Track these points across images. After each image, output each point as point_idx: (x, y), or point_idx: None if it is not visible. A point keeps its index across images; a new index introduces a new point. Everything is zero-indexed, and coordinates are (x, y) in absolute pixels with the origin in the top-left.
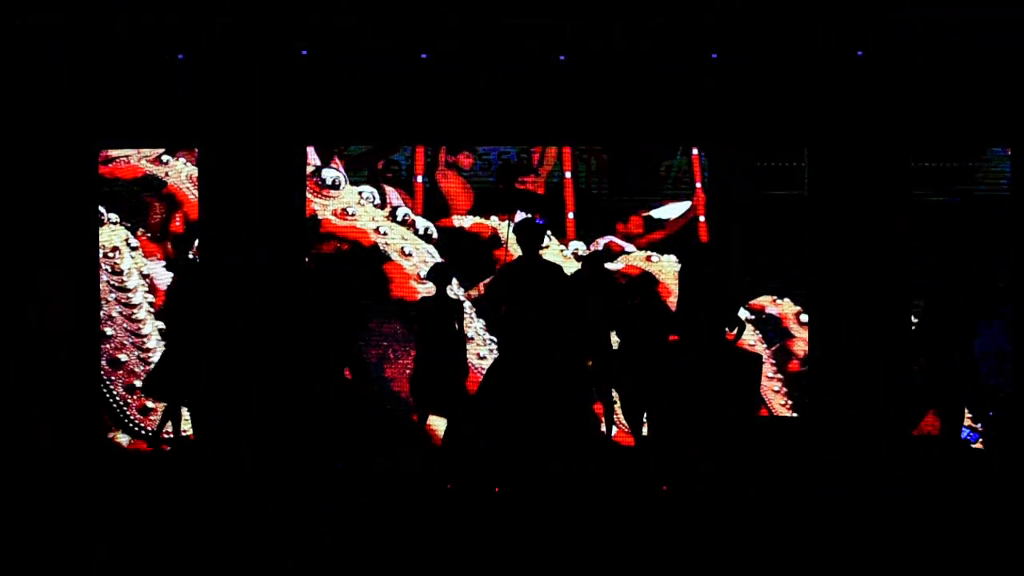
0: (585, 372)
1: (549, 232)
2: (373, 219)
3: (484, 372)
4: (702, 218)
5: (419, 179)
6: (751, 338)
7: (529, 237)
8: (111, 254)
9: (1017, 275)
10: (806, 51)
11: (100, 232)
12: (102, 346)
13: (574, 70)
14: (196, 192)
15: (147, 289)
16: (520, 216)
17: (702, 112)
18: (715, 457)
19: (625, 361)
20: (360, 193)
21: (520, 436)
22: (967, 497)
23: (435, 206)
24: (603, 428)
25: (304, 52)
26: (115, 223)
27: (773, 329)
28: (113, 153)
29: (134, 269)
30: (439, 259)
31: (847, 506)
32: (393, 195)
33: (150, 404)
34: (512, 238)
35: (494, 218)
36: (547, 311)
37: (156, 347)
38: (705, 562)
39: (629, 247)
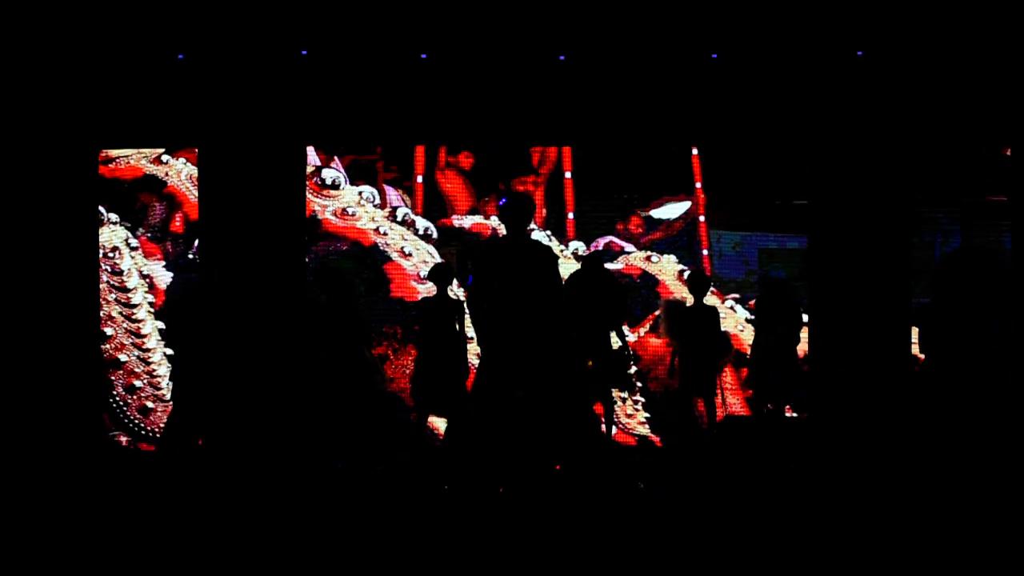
0: (585, 372)
1: (549, 232)
2: (373, 219)
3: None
4: (702, 218)
5: (419, 179)
6: (752, 338)
7: (517, 214)
8: (111, 254)
9: (1017, 275)
10: (806, 51)
11: (100, 232)
12: (102, 346)
13: (574, 70)
14: (196, 192)
15: (147, 289)
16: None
17: (702, 112)
18: None
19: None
20: (360, 193)
21: (516, 434)
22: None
23: (435, 206)
24: (603, 428)
25: (304, 52)
26: (115, 223)
27: None
28: (113, 153)
29: (134, 269)
30: (439, 259)
31: (845, 503)
32: (393, 195)
33: (150, 404)
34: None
35: (494, 218)
36: (534, 293)
37: (156, 347)
38: (704, 562)
39: (629, 247)
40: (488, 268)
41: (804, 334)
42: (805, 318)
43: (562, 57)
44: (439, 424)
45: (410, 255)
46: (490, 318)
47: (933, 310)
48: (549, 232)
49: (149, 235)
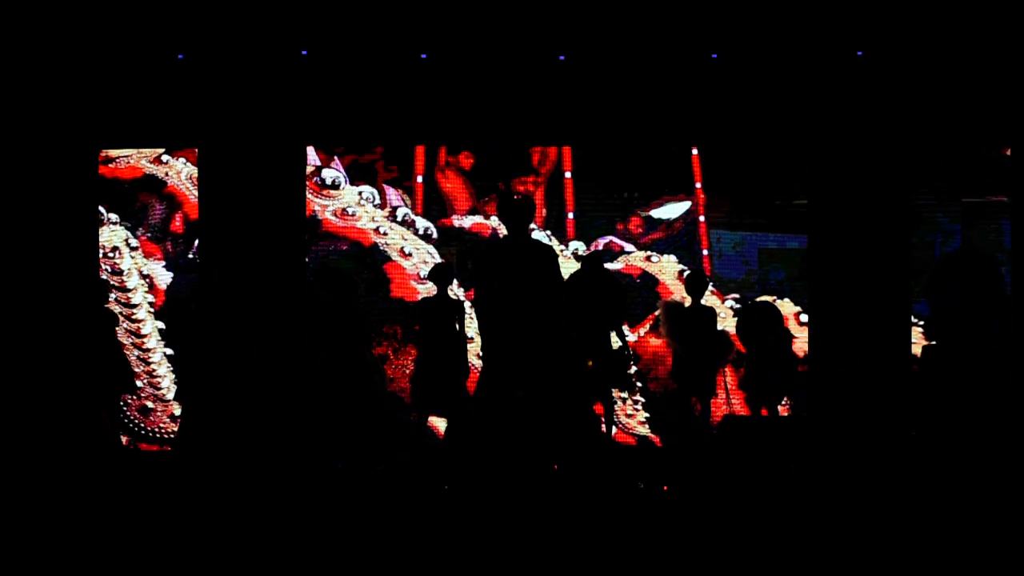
0: (585, 372)
1: (549, 232)
2: (373, 219)
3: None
4: (702, 218)
5: (419, 179)
6: None
7: (518, 214)
8: (111, 254)
9: (1017, 275)
10: (806, 51)
11: (100, 232)
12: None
13: (574, 70)
14: (196, 192)
15: (147, 289)
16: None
17: (702, 112)
18: None
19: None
20: (360, 193)
21: (518, 434)
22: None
23: (435, 206)
24: (603, 428)
25: (304, 52)
26: (115, 223)
27: None
28: (113, 153)
29: (134, 269)
30: (439, 259)
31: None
32: (393, 195)
33: (150, 404)
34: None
35: (494, 218)
36: (537, 292)
37: (156, 347)
38: (705, 562)
39: (629, 247)
40: (489, 269)
41: (801, 333)
42: (804, 317)
43: (562, 57)
44: (439, 424)
45: (410, 255)
46: (493, 318)
47: (932, 311)
48: (549, 232)
49: (149, 235)
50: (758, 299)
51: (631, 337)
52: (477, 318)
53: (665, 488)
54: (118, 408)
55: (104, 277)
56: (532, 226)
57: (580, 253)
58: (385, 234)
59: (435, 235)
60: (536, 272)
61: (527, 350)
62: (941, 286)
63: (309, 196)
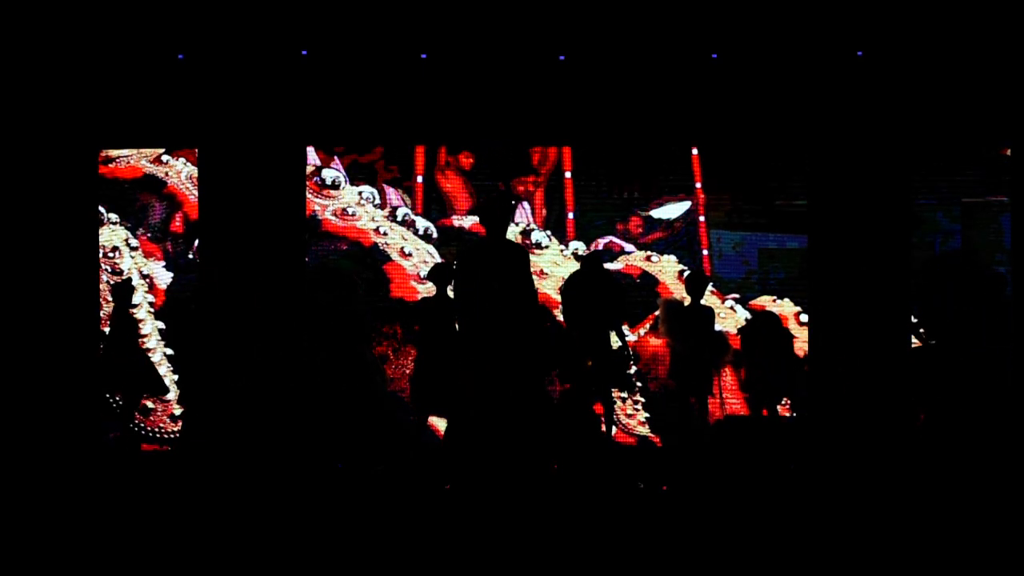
0: (585, 372)
1: (549, 232)
2: (373, 219)
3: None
4: (702, 218)
5: (419, 179)
6: None
7: (500, 214)
8: (111, 254)
9: (1017, 275)
10: (806, 51)
11: (100, 232)
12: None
13: (574, 70)
14: (196, 192)
15: (147, 289)
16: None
17: (702, 112)
18: None
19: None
20: (360, 193)
21: (510, 433)
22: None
23: (435, 206)
24: (603, 428)
25: (304, 52)
26: (115, 223)
27: None
28: (113, 153)
29: (134, 269)
30: (439, 259)
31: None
32: (393, 195)
33: (150, 404)
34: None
35: None
36: (511, 294)
37: (156, 347)
38: (705, 562)
39: (629, 247)
40: (469, 270)
41: (801, 333)
42: (804, 317)
43: (562, 57)
44: (439, 424)
45: (410, 255)
46: (472, 318)
47: (923, 313)
48: (549, 232)
49: (149, 235)
50: (754, 302)
51: (631, 337)
52: (458, 318)
53: (664, 488)
54: (132, 415)
55: (131, 280)
56: (533, 226)
57: (580, 253)
58: (385, 234)
59: (435, 235)
60: (506, 273)
61: (502, 349)
62: (936, 288)
63: (309, 196)
